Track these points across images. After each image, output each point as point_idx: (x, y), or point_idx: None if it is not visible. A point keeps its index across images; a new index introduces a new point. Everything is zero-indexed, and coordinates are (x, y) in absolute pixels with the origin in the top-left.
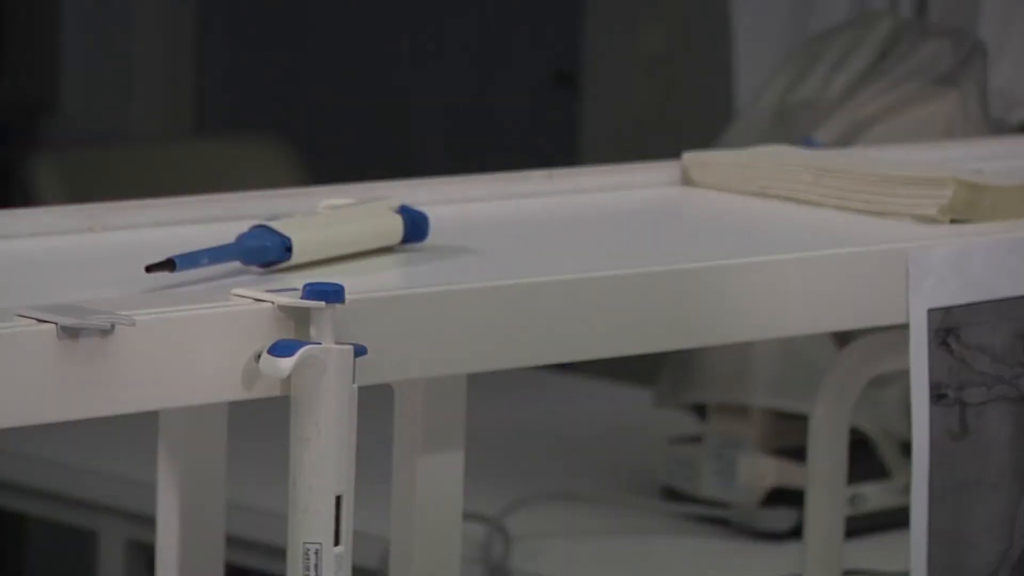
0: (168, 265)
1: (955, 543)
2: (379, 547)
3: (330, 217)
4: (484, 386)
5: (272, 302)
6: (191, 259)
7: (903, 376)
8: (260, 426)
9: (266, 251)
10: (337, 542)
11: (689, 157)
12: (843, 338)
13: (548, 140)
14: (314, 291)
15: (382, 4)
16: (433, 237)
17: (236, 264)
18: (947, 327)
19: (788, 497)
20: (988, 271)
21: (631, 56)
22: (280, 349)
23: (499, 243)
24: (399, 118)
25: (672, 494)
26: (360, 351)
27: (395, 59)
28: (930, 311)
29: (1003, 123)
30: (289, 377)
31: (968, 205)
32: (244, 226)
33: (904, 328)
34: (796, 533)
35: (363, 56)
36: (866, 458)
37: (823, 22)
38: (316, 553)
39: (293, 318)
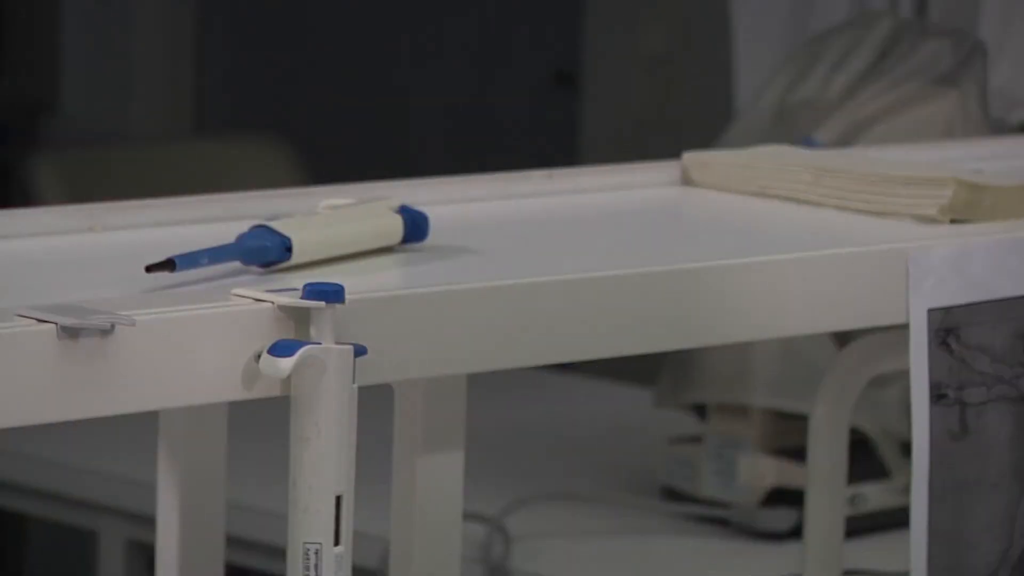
0: (168, 265)
1: (955, 543)
2: (379, 547)
3: (330, 217)
4: (484, 386)
5: (272, 302)
6: (191, 259)
7: (903, 376)
8: (260, 426)
9: (266, 251)
10: (337, 542)
11: (689, 157)
12: (843, 338)
13: (548, 140)
14: (314, 291)
15: (382, 4)
16: (433, 237)
17: (236, 264)
18: (947, 327)
19: (788, 497)
20: (988, 271)
21: (631, 56)
22: (280, 349)
23: (499, 243)
24: (399, 118)
25: (672, 494)
26: (360, 351)
27: (395, 59)
28: (930, 311)
29: (1003, 123)
30: (289, 377)
31: (968, 205)
32: (244, 226)
33: (904, 328)
34: (796, 533)
35: (363, 56)
36: (866, 458)
37: (823, 22)
38: (316, 553)
39: (293, 318)
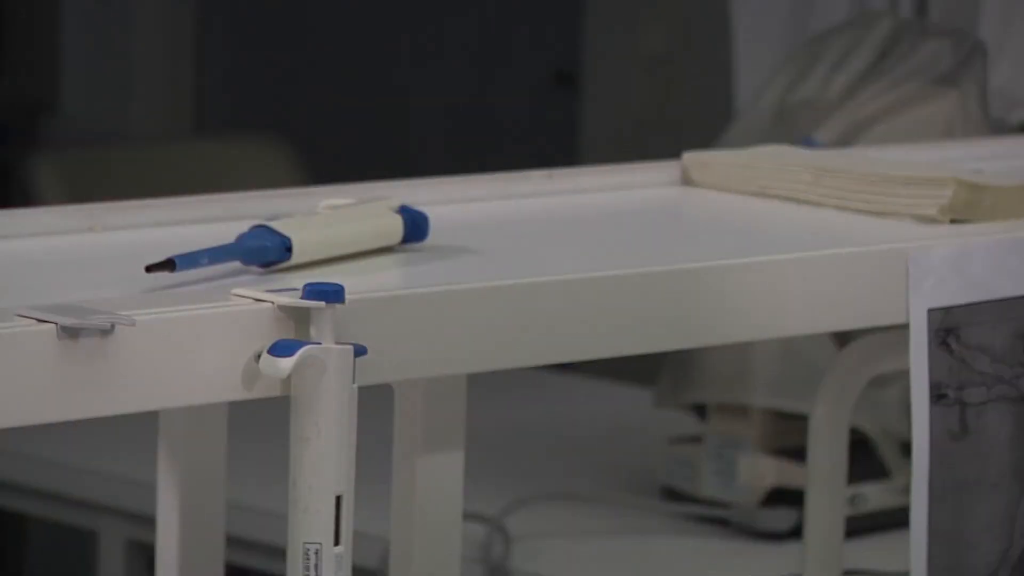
0: (168, 265)
1: (955, 543)
2: (379, 547)
3: (330, 217)
4: (484, 386)
5: (272, 302)
6: (191, 259)
7: (903, 376)
8: (260, 426)
9: (266, 251)
10: (337, 542)
11: (689, 157)
12: (843, 338)
13: (548, 140)
14: (314, 291)
15: (382, 4)
16: (433, 237)
17: (236, 264)
18: (947, 327)
19: (788, 497)
20: (988, 271)
21: (631, 56)
22: (280, 349)
23: (499, 243)
24: (399, 118)
25: (672, 494)
26: (360, 351)
27: (395, 59)
28: (930, 311)
29: (1003, 123)
30: (289, 377)
31: (968, 205)
32: (244, 226)
33: (904, 328)
34: (796, 533)
35: (363, 56)
36: (866, 458)
37: (823, 22)
38: (316, 553)
39: (293, 318)
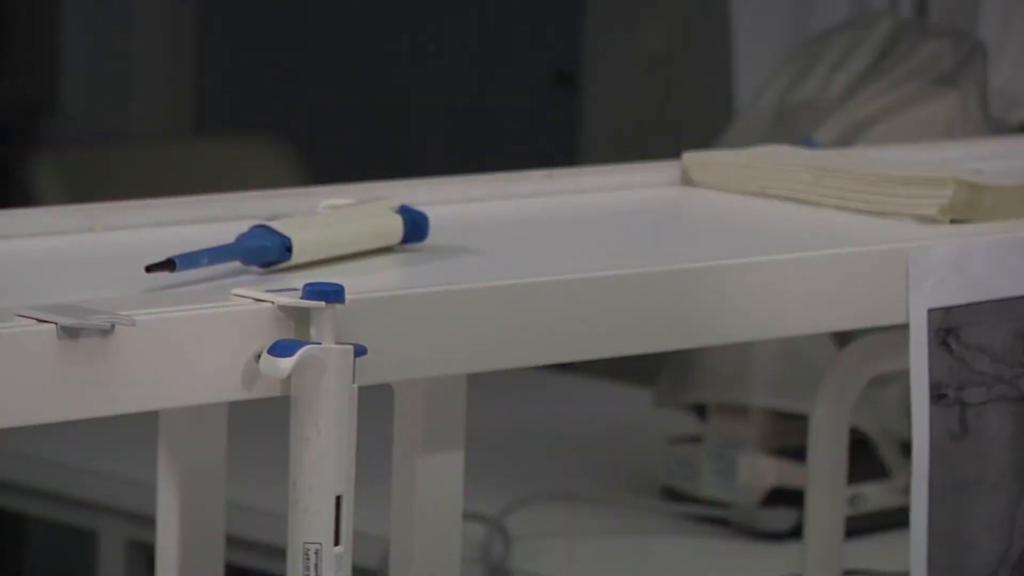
0: (168, 265)
1: (955, 543)
2: (379, 547)
3: (330, 217)
4: (484, 386)
5: (272, 302)
6: (191, 259)
7: (903, 376)
8: (260, 426)
9: (266, 251)
10: (337, 542)
11: (689, 157)
12: (843, 338)
13: (548, 140)
14: (314, 291)
15: (382, 4)
16: (433, 237)
17: (236, 264)
18: (947, 327)
19: (788, 497)
20: (988, 271)
21: (631, 56)
22: (280, 349)
23: (499, 243)
24: (399, 118)
25: (672, 494)
26: (360, 351)
27: (395, 59)
28: (930, 311)
29: (1003, 123)
30: (289, 377)
31: (968, 205)
32: (244, 226)
33: (904, 328)
34: (796, 533)
35: (363, 56)
36: (866, 458)
37: (823, 22)
38: (316, 553)
39: (293, 318)
